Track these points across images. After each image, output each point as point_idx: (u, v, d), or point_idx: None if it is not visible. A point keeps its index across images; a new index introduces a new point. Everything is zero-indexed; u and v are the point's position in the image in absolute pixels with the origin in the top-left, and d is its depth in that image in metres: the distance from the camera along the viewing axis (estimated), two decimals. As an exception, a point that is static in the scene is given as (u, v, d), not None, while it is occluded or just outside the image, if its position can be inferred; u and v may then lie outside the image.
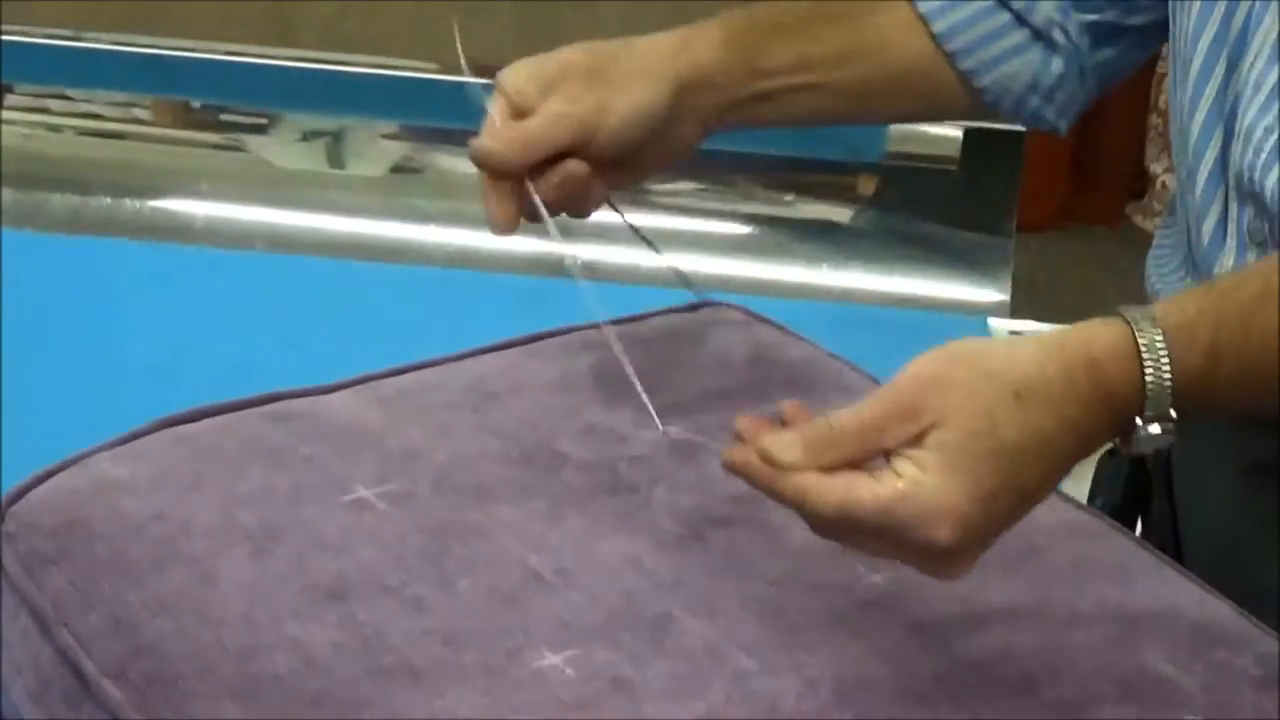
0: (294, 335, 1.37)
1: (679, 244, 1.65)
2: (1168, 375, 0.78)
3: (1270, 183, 0.93)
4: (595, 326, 1.00)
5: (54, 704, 0.80)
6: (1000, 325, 1.53)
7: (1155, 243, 1.12)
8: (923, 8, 1.10)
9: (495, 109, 0.97)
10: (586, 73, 0.99)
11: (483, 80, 0.99)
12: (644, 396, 0.94)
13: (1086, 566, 0.89)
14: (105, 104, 1.79)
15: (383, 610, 0.80)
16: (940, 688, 0.79)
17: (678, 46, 1.03)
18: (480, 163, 0.96)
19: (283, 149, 1.78)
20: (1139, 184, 3.56)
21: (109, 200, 1.69)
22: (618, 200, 1.02)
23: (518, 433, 0.95)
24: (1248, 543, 1.03)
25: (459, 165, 1.74)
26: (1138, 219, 3.53)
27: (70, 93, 1.79)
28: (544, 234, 0.97)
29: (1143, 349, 0.78)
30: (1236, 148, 0.96)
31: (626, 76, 1.00)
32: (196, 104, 1.81)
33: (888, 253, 1.66)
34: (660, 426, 0.94)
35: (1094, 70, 1.13)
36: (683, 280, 1.11)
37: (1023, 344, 0.78)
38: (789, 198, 1.68)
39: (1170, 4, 1.03)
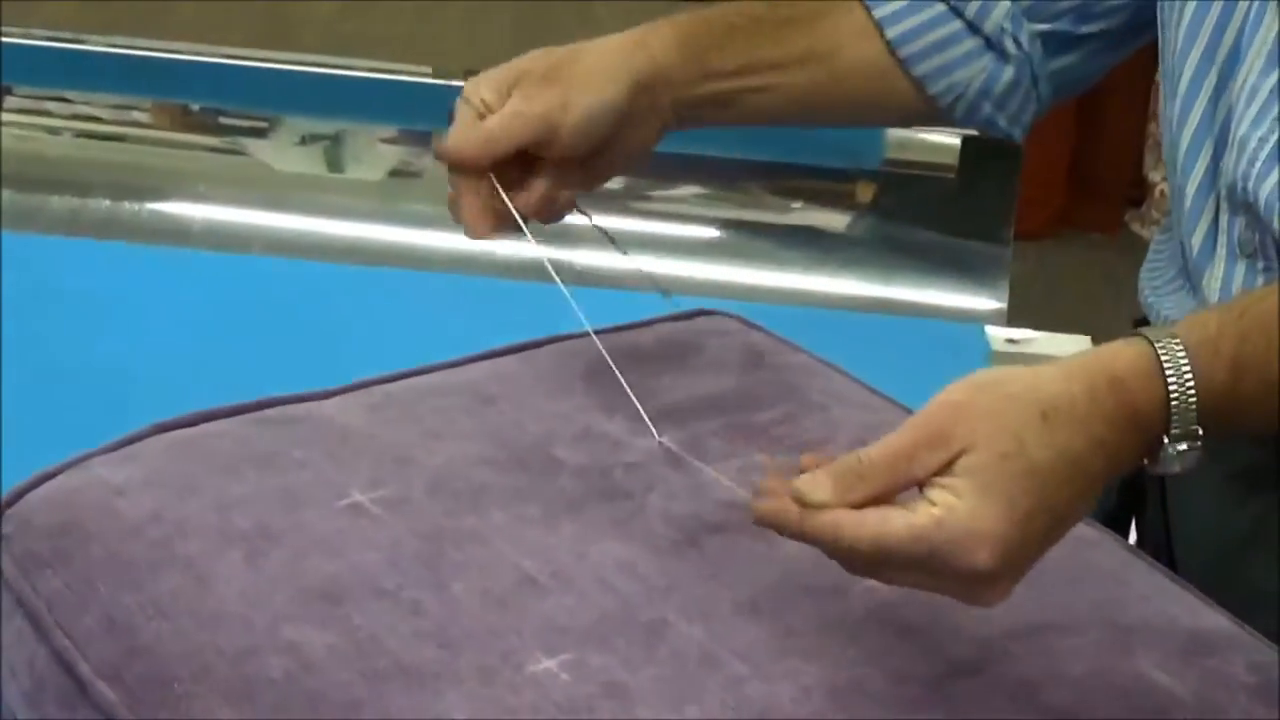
0: (292, 339, 1.37)
1: (677, 250, 1.66)
2: (1192, 391, 0.78)
3: (1265, 192, 0.93)
4: (591, 334, 1.00)
5: (48, 705, 0.80)
6: (997, 333, 1.53)
7: (1149, 256, 1.12)
8: (877, 13, 1.11)
9: (460, 115, 0.99)
10: (544, 74, 1.00)
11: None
12: (638, 405, 0.94)
13: (1081, 573, 0.89)
14: (104, 106, 1.79)
15: (378, 613, 0.80)
16: (934, 693, 0.80)
17: (633, 46, 1.03)
18: (445, 159, 0.98)
19: (281, 152, 1.78)
20: (1137, 192, 3.57)
21: (108, 203, 1.69)
22: (586, 203, 1.03)
23: (513, 438, 0.95)
24: (1240, 548, 1.03)
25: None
26: (1136, 227, 3.54)
27: (69, 95, 1.79)
28: (529, 240, 0.98)
29: (1166, 366, 0.78)
30: (1229, 159, 0.96)
31: (585, 75, 1.01)
32: (195, 107, 1.81)
33: (885, 260, 1.66)
34: (656, 436, 0.94)
35: (1048, 79, 1.13)
36: (652, 283, 1.11)
37: (1046, 368, 0.78)
38: (786, 204, 1.68)
39: (1159, 18, 1.03)
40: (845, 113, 1.18)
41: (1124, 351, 0.79)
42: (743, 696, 0.78)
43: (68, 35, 1.73)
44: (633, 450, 0.95)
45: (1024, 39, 1.11)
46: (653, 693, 0.78)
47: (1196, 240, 1.00)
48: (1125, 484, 1.13)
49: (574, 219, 1.03)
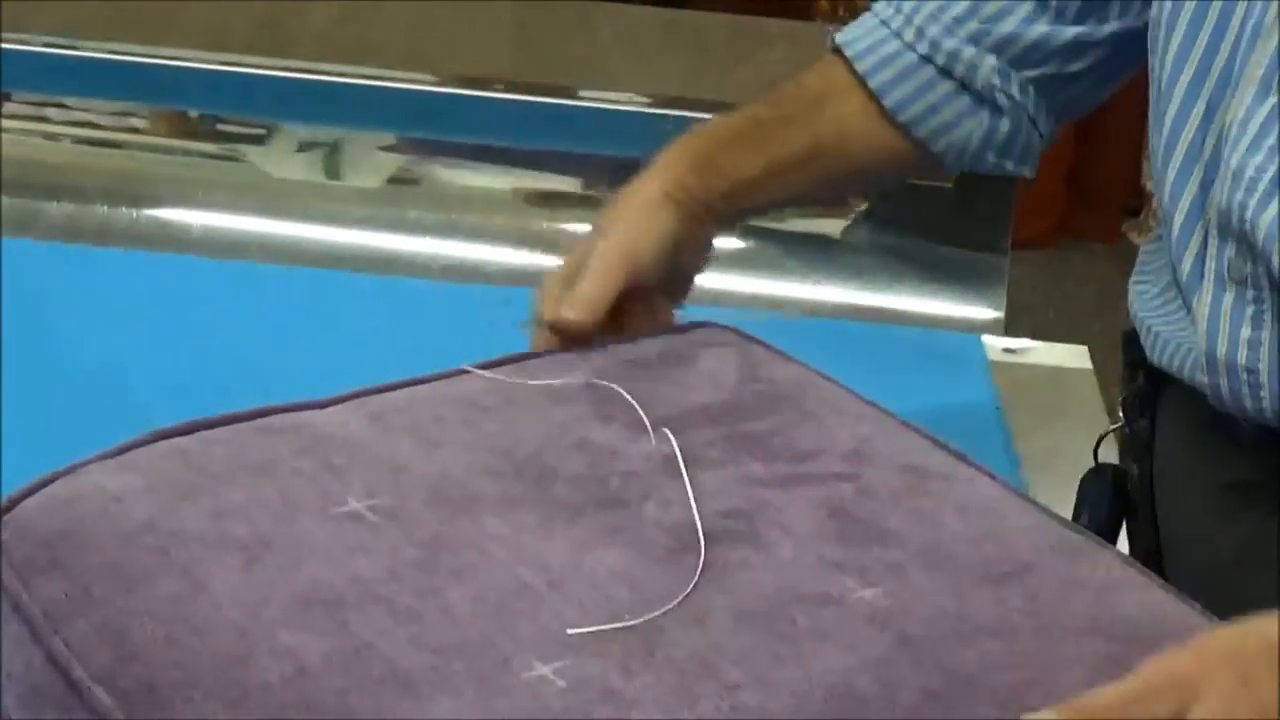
0: (289, 345, 1.38)
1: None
2: None
3: (1265, 223, 0.93)
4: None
5: (45, 710, 0.80)
6: (995, 342, 1.53)
7: (1137, 267, 1.13)
8: (873, 84, 1.15)
9: (548, 294, 1.07)
10: (598, 234, 1.07)
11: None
12: (637, 408, 0.95)
13: (1074, 584, 0.89)
14: (102, 113, 1.79)
15: (374, 620, 0.81)
16: (929, 701, 0.80)
17: (656, 184, 1.09)
18: (564, 333, 1.05)
19: (279, 159, 1.78)
20: (1135, 201, 3.58)
21: (105, 209, 1.69)
22: None
23: (509, 448, 0.95)
24: (1230, 560, 1.03)
25: (456, 177, 1.74)
26: (1133, 236, 3.54)
27: (67, 101, 1.79)
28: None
29: None
30: (1221, 187, 0.96)
31: (632, 216, 1.08)
32: (194, 114, 1.81)
33: (882, 268, 1.67)
34: (652, 434, 0.95)
35: (1046, 118, 1.17)
36: None
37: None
38: (784, 213, 1.68)
39: (1148, 45, 1.04)
40: (863, 184, 1.31)
41: None
42: (738, 703, 0.78)
43: (66, 41, 1.73)
44: (630, 459, 0.95)
45: (1014, 90, 1.14)
46: (648, 699, 0.78)
47: (1185, 265, 1.01)
48: (1115, 496, 1.14)
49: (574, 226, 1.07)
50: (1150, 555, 1.10)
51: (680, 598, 0.84)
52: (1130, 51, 1.10)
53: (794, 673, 0.80)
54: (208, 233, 1.68)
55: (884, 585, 0.86)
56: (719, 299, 1.47)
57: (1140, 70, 1.14)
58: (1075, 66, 1.13)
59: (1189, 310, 1.01)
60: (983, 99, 1.15)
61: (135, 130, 1.81)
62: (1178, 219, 1.01)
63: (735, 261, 1.67)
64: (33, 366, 1.30)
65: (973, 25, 1.13)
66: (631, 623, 0.82)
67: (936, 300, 1.65)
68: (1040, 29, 1.12)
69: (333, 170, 1.79)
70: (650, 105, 1.68)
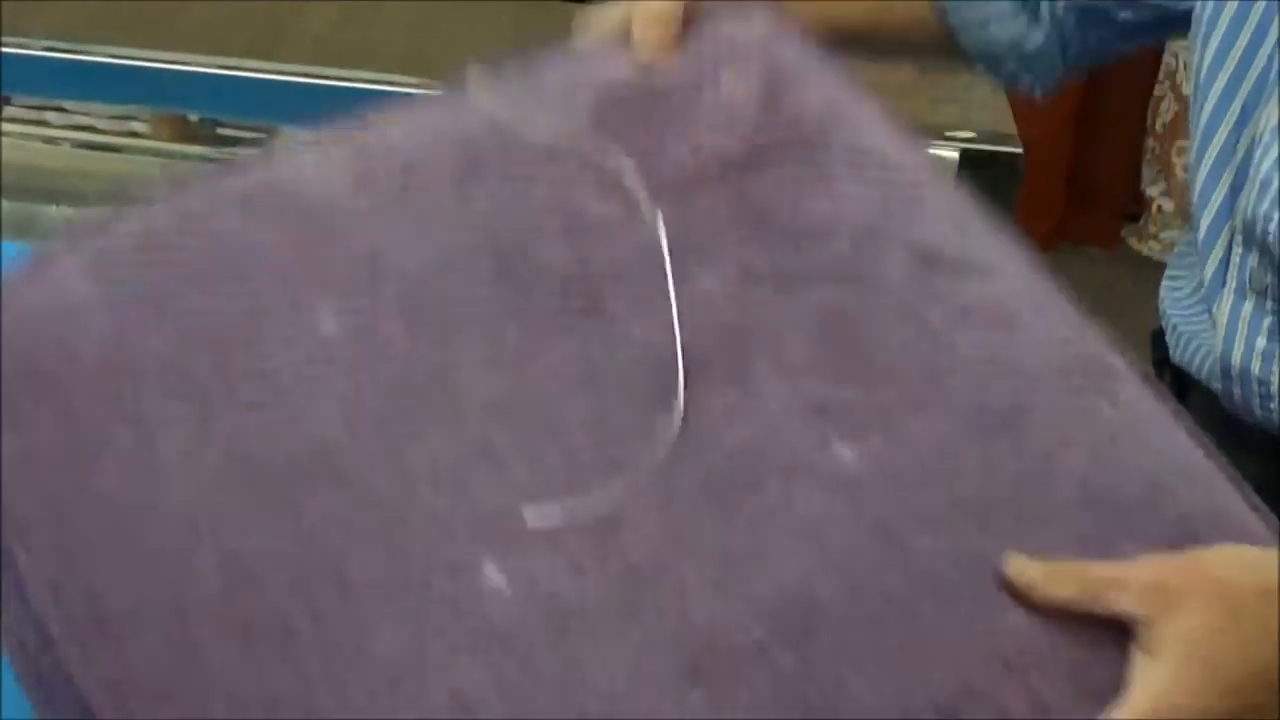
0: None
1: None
2: None
3: None
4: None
5: None
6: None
7: (1172, 261, 1.12)
8: None
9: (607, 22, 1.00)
10: None
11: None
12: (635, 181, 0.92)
13: (1074, 431, 0.85)
14: (102, 117, 1.79)
15: (325, 502, 0.78)
16: (888, 607, 0.78)
17: None
18: (652, 59, 0.96)
19: (279, 163, 1.78)
20: (1135, 207, 3.57)
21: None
22: None
23: (497, 230, 0.89)
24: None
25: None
26: (1133, 241, 3.54)
27: (68, 105, 1.79)
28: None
29: None
30: (1249, 195, 0.96)
31: None
32: (194, 118, 1.81)
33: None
34: (646, 216, 0.90)
35: (1077, 48, 1.15)
36: None
37: None
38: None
39: (1191, 30, 1.03)
40: (895, 46, 1.22)
41: None
42: (685, 614, 0.76)
43: (66, 45, 1.73)
44: (620, 245, 0.89)
45: (1060, 7, 1.12)
46: (593, 608, 0.76)
47: (1209, 269, 1.00)
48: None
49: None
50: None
51: (648, 469, 0.80)
52: (1174, 17, 1.09)
53: (752, 574, 0.78)
54: (207, 236, 1.68)
55: (867, 440, 0.82)
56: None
57: (1138, 74, 1.13)
58: (1123, 14, 1.12)
59: (1210, 313, 1.01)
60: (1025, 3, 1.14)
61: (135, 134, 1.81)
62: (1205, 220, 1.00)
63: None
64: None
65: None
66: (593, 508, 0.79)
67: (936, 304, 1.64)
68: None
69: (333, 173, 1.79)
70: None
